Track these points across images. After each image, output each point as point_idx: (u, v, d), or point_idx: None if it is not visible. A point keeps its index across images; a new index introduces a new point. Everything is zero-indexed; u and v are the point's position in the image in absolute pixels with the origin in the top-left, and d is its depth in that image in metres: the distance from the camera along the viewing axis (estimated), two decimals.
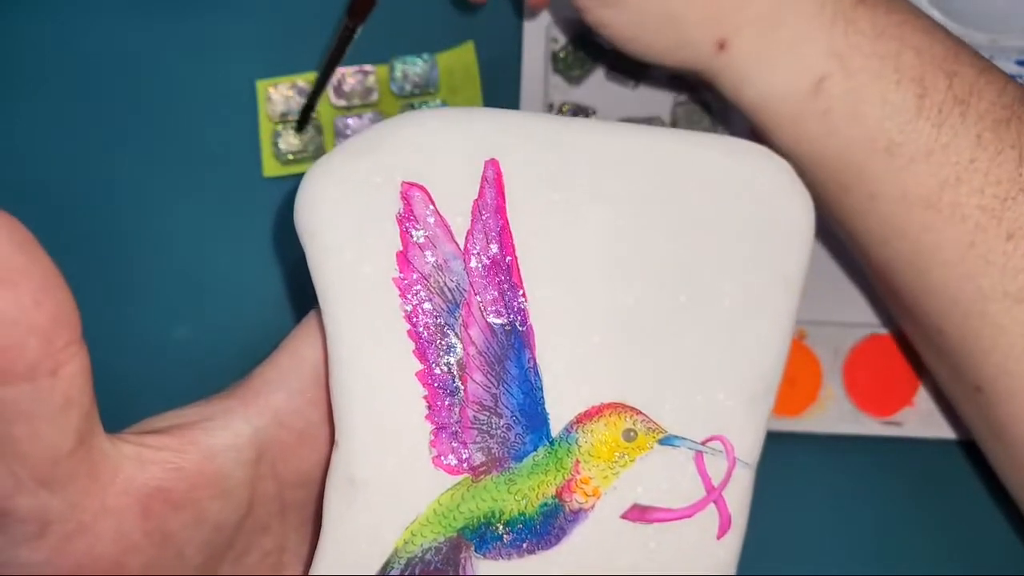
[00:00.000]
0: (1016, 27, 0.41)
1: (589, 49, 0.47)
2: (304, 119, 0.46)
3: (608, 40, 0.39)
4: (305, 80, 0.48)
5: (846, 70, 0.35)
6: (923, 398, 0.37)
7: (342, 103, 0.48)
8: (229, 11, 0.46)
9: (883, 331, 0.39)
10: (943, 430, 0.39)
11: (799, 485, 0.36)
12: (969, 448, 0.39)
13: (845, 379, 0.37)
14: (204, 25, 0.43)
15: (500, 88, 0.47)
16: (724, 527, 0.29)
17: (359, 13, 0.44)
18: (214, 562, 0.29)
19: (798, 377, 0.36)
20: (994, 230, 0.34)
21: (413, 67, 0.48)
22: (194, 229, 0.43)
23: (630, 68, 0.42)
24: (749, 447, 0.29)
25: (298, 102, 0.47)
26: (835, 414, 0.36)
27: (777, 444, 0.35)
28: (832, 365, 0.36)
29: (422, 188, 0.28)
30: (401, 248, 0.28)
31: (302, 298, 0.39)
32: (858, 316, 0.41)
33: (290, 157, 0.47)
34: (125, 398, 0.37)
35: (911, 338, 0.38)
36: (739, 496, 0.29)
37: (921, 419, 0.37)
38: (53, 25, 0.41)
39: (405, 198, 0.28)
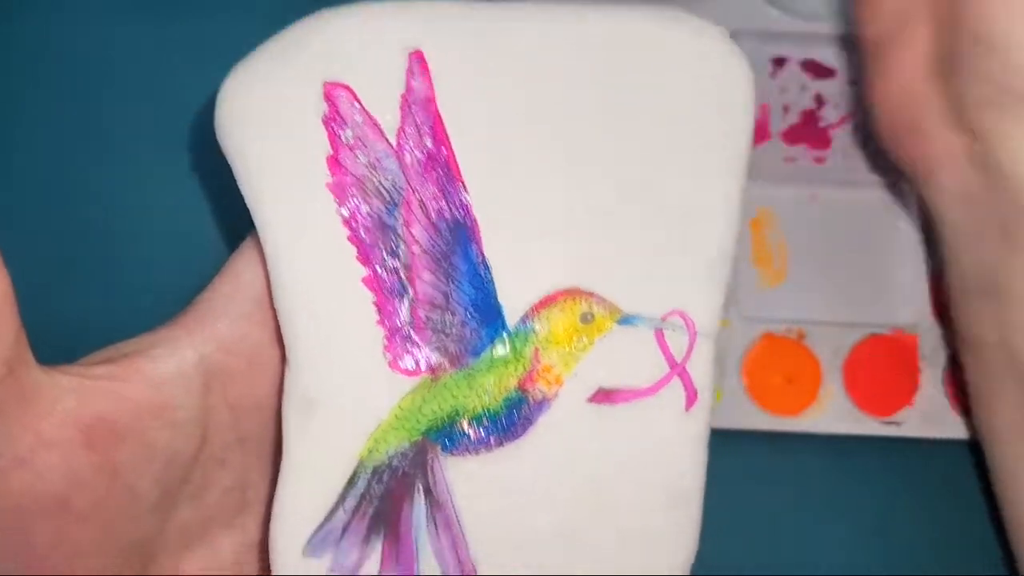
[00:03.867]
0: None
1: None
2: None
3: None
4: None
5: None
6: (923, 398, 0.35)
7: None
8: (229, 11, 0.42)
9: (883, 331, 0.37)
10: (943, 430, 0.36)
11: (799, 485, 0.34)
12: (970, 448, 0.36)
13: (845, 379, 0.35)
14: (205, 25, 0.39)
15: None
16: (691, 400, 0.27)
17: None
18: (170, 499, 0.26)
19: (798, 377, 0.34)
20: None
21: None
22: (194, 227, 0.40)
23: None
24: (708, 318, 0.27)
25: None
26: (835, 414, 0.34)
27: (777, 444, 0.34)
28: (832, 365, 0.34)
29: (346, 87, 0.26)
30: (331, 152, 0.26)
31: None
32: (858, 316, 0.38)
33: None
34: None
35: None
36: (703, 368, 0.27)
37: (921, 419, 0.35)
38: (53, 25, 0.38)
39: (329, 99, 0.26)
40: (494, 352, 0.26)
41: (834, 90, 0.37)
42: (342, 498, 0.26)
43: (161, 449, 0.26)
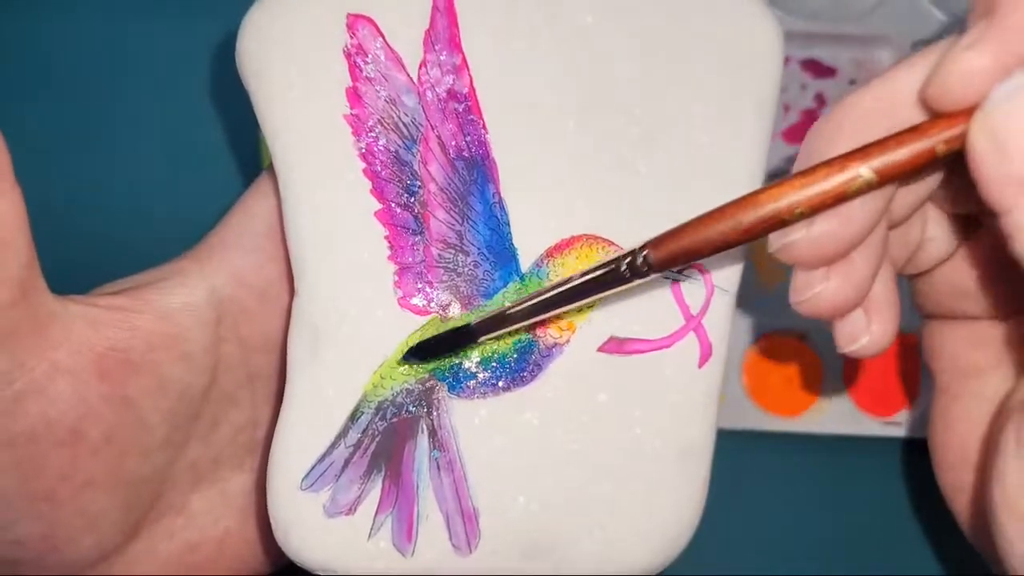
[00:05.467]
0: None
1: None
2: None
3: None
4: None
5: None
6: (923, 398, 0.34)
7: None
8: (229, 10, 0.41)
9: None
10: None
11: (799, 485, 0.34)
12: None
13: (845, 379, 0.34)
14: (205, 23, 0.39)
15: None
16: (705, 355, 0.26)
17: None
18: (181, 434, 0.26)
19: (798, 377, 0.34)
20: None
21: None
22: (194, 226, 0.39)
23: None
24: (727, 273, 0.26)
25: None
26: (835, 414, 0.33)
27: (777, 444, 0.33)
28: (832, 365, 0.34)
29: (369, 20, 0.25)
30: (350, 83, 0.25)
31: None
32: None
33: None
34: None
35: None
36: (719, 324, 0.26)
37: (921, 419, 0.34)
38: (54, 25, 0.38)
39: (352, 30, 0.25)
40: (506, 295, 0.25)
41: (834, 90, 0.36)
42: (344, 432, 0.25)
43: (173, 382, 0.25)
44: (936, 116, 0.20)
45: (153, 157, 0.35)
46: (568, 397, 0.25)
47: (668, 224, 0.26)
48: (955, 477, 0.27)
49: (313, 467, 0.25)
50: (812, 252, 0.22)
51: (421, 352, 0.25)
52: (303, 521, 0.24)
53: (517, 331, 0.25)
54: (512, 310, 0.24)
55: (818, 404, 0.34)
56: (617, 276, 0.23)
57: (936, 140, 0.20)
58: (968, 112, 0.20)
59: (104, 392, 0.24)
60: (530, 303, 0.24)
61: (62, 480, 0.24)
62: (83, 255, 0.32)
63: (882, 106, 0.21)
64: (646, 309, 0.25)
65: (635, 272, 0.23)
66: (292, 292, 0.26)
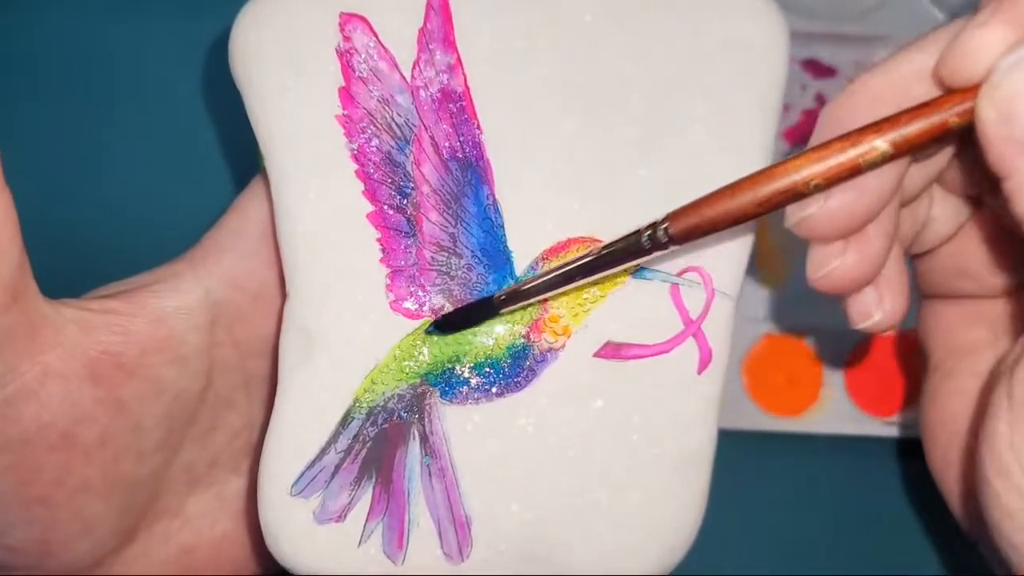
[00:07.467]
0: None
1: None
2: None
3: None
4: None
5: None
6: None
7: None
8: (223, 9, 0.40)
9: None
10: None
11: (799, 485, 0.33)
12: None
13: (845, 379, 0.33)
14: (204, 23, 0.38)
15: None
16: (705, 361, 0.25)
17: None
18: (176, 438, 0.25)
19: (798, 377, 0.33)
20: None
21: None
22: (193, 226, 0.39)
23: None
24: (728, 277, 0.25)
25: None
26: (835, 414, 0.33)
27: (777, 444, 0.33)
28: (832, 365, 0.33)
29: (362, 19, 0.24)
30: (343, 83, 0.24)
31: None
32: None
33: None
34: None
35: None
36: (720, 329, 0.25)
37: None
38: (52, 24, 0.37)
39: (344, 30, 0.24)
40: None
41: (834, 90, 0.35)
42: (334, 437, 0.24)
43: (167, 386, 0.25)
44: (949, 91, 0.21)
45: (147, 159, 0.34)
46: (563, 403, 0.24)
47: None
48: (945, 453, 0.27)
49: (303, 473, 0.24)
50: (828, 225, 0.22)
51: (445, 325, 0.24)
52: (293, 527, 0.24)
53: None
54: (532, 284, 0.24)
55: (818, 404, 0.33)
56: (637, 248, 0.23)
57: (949, 113, 0.20)
58: (979, 87, 0.20)
59: (97, 396, 0.23)
60: (551, 275, 0.23)
61: (56, 484, 0.23)
62: (76, 258, 0.31)
63: (895, 85, 0.22)
64: (644, 314, 0.25)
65: (656, 244, 0.22)
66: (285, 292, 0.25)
